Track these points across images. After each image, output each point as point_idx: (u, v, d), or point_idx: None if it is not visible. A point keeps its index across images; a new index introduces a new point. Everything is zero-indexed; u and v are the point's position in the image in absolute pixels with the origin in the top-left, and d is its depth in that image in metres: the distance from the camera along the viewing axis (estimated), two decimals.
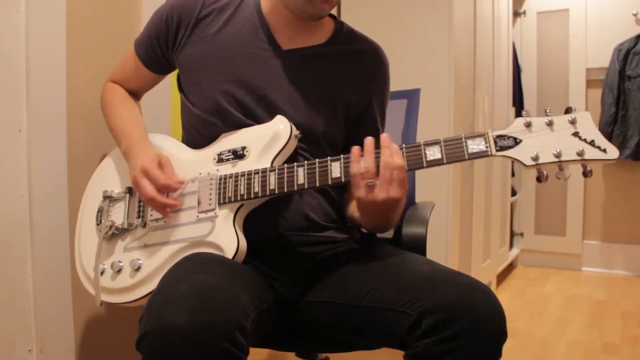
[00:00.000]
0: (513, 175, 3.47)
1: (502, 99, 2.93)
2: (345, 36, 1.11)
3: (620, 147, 3.21)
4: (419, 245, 1.15)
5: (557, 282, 3.16)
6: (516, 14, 3.52)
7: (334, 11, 2.28)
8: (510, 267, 3.43)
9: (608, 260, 3.38)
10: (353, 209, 1.05)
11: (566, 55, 3.43)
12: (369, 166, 0.86)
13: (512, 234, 3.51)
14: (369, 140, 0.88)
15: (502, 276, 3.19)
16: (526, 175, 3.58)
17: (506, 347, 0.81)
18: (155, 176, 0.96)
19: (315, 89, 1.06)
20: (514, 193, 3.46)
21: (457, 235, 2.22)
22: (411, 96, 1.39)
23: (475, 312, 0.79)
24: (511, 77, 3.14)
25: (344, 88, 1.08)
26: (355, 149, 0.89)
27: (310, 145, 1.04)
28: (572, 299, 2.80)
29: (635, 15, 3.22)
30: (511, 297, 2.83)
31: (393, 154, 0.86)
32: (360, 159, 0.88)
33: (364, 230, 1.26)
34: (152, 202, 0.96)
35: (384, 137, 0.88)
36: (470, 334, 0.78)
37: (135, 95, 1.21)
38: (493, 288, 2.81)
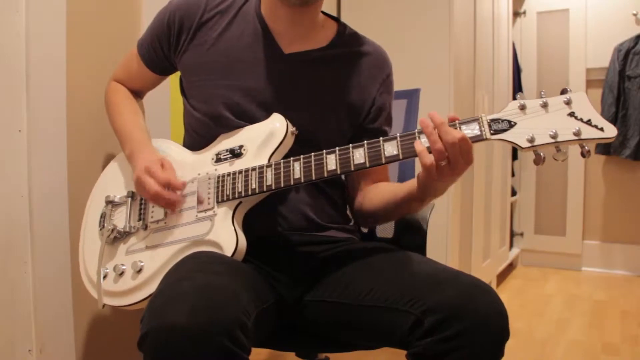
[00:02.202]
0: (513, 175, 3.47)
1: (502, 99, 2.93)
2: (347, 39, 1.11)
3: (620, 147, 3.21)
4: (419, 245, 1.15)
5: (557, 282, 3.16)
6: (516, 14, 3.52)
7: (333, 11, 2.29)
8: (510, 267, 3.43)
9: (608, 260, 3.38)
10: (382, 199, 1.04)
11: (566, 55, 3.43)
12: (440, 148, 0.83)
13: (512, 234, 3.51)
14: (432, 120, 0.85)
15: (502, 276, 3.19)
16: (526, 175, 3.58)
17: (506, 347, 0.81)
18: (157, 173, 0.96)
19: (318, 94, 1.05)
20: (514, 193, 3.45)
21: (457, 235, 2.22)
22: (411, 96, 1.39)
23: (477, 311, 0.79)
24: (511, 77, 3.14)
25: (347, 91, 1.07)
26: (417, 144, 0.85)
27: (312, 151, 1.03)
28: (572, 299, 2.80)
29: (635, 15, 3.22)
30: (511, 297, 2.82)
31: (449, 131, 0.83)
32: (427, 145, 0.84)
33: (364, 230, 1.26)
34: (156, 198, 0.96)
35: (432, 114, 0.85)
36: (472, 333, 0.78)
37: (138, 94, 1.22)
38: (493, 288, 2.80)
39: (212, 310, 0.72)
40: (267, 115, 1.02)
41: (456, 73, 2.14)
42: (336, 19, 1.13)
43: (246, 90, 1.03)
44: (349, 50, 1.10)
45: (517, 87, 3.42)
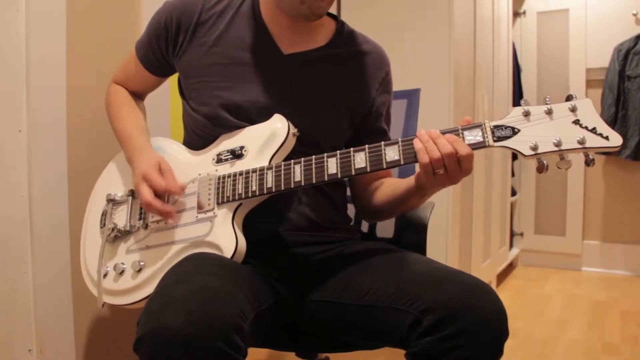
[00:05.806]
0: (513, 175, 3.47)
1: (502, 99, 2.93)
2: (346, 37, 1.10)
3: (620, 147, 3.21)
4: (419, 245, 1.15)
5: (557, 282, 3.16)
6: (516, 14, 3.52)
7: (333, 12, 2.28)
8: (510, 267, 3.43)
9: (608, 260, 3.38)
10: (384, 195, 1.07)
11: (566, 55, 3.43)
12: (436, 155, 0.85)
13: (512, 234, 3.51)
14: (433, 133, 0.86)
15: (502, 276, 3.19)
16: (526, 175, 3.58)
17: (506, 347, 0.81)
18: (155, 181, 0.96)
19: (318, 93, 1.05)
20: (514, 193, 3.45)
21: (457, 235, 2.22)
22: (411, 96, 1.39)
23: (476, 310, 0.79)
24: (511, 77, 3.13)
25: (346, 91, 1.07)
26: (416, 142, 0.86)
27: (313, 150, 1.03)
28: (572, 299, 2.80)
29: (635, 15, 3.22)
30: (511, 297, 2.82)
31: (445, 144, 0.84)
32: (426, 149, 0.85)
33: (364, 230, 1.26)
34: (149, 208, 0.97)
35: (428, 131, 0.86)
36: (471, 332, 0.78)
37: (139, 96, 1.21)
38: (493, 288, 2.81)
39: (208, 314, 0.72)
40: (267, 116, 1.01)
41: (456, 73, 2.14)
42: (334, 17, 1.12)
43: (246, 92, 1.03)
44: (348, 49, 1.09)
45: (517, 87, 3.42)
